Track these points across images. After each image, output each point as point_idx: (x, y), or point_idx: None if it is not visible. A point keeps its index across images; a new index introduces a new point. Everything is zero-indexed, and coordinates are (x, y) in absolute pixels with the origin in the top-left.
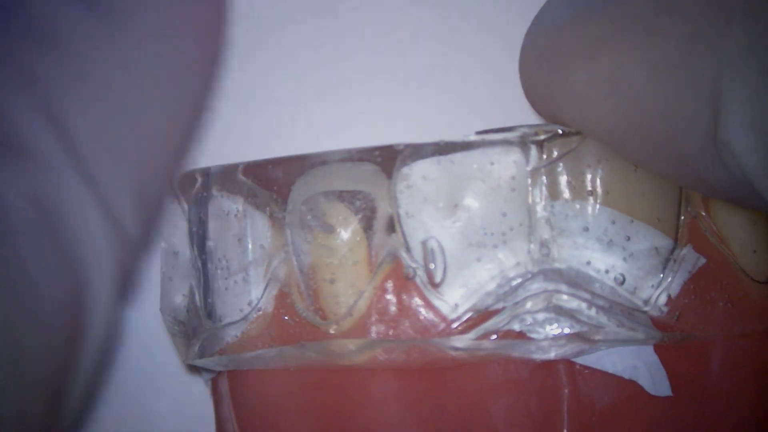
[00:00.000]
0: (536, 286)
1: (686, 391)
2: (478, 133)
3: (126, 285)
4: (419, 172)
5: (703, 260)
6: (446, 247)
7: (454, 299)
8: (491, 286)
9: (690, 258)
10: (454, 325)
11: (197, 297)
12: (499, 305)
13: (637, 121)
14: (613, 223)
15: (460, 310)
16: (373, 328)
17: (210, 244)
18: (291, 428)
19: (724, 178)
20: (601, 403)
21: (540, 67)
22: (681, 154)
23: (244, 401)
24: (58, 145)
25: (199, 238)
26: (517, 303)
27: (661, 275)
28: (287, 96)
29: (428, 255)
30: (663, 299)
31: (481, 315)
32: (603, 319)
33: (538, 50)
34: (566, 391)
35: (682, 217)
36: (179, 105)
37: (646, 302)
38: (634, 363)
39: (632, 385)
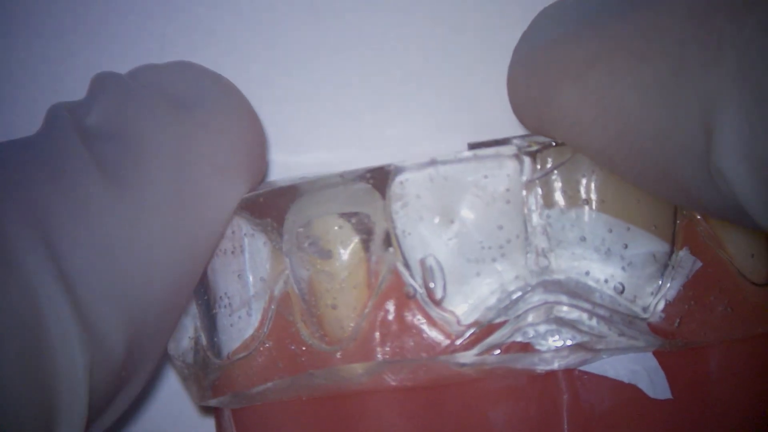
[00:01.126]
0: (537, 298)
1: (685, 395)
2: (471, 145)
3: (110, 409)
4: (413, 191)
5: (699, 264)
6: (445, 263)
7: (456, 315)
8: (492, 300)
9: (687, 261)
10: (458, 342)
11: (203, 337)
12: (501, 319)
13: (628, 142)
14: (610, 231)
15: (463, 325)
16: (379, 350)
17: (210, 281)
18: None
19: (716, 201)
20: (601, 407)
21: (529, 84)
22: (673, 176)
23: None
24: (46, 265)
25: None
26: (518, 316)
27: (660, 282)
28: (284, 94)
29: (427, 272)
30: (662, 306)
31: (484, 329)
32: (604, 328)
33: (528, 67)
34: (565, 396)
35: (678, 221)
36: (180, 265)
37: (645, 309)
38: (634, 367)
39: (631, 389)
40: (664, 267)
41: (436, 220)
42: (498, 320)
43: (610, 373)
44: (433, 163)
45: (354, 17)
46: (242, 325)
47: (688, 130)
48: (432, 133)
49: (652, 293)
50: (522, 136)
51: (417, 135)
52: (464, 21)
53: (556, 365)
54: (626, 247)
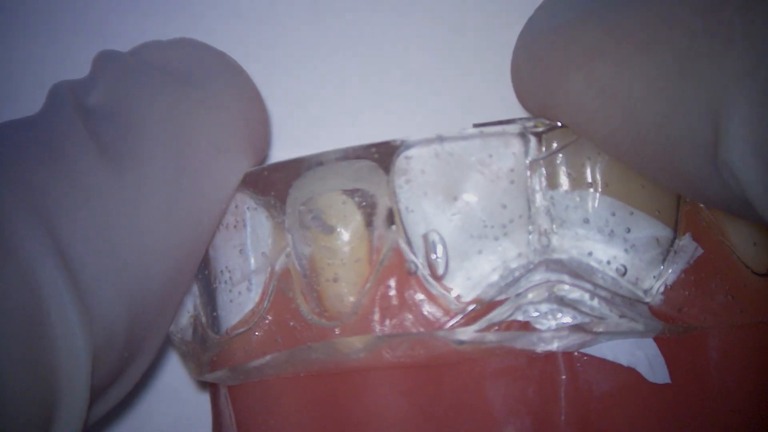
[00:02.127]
0: (538, 276)
1: (684, 380)
2: (476, 125)
3: (113, 390)
4: (418, 166)
5: (700, 250)
6: (447, 239)
7: (457, 291)
8: (494, 277)
9: (689, 247)
10: (458, 318)
11: (201, 313)
12: (502, 296)
13: (633, 131)
14: (614, 214)
15: (463, 301)
16: (378, 325)
17: (211, 256)
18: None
19: (721, 193)
20: (599, 389)
21: (533, 70)
22: (677, 167)
23: (246, 413)
24: (46, 248)
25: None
26: (519, 294)
27: (662, 266)
28: (284, 94)
29: (430, 248)
30: (663, 290)
31: (485, 306)
32: (605, 310)
33: (532, 54)
34: (564, 377)
35: (681, 208)
36: (181, 245)
37: (646, 293)
38: (634, 351)
39: (630, 372)
40: (667, 252)
41: (440, 196)
42: (499, 298)
43: (609, 357)
44: (439, 139)
45: (354, 17)
46: (242, 300)
47: (694, 121)
48: (430, 128)
49: (654, 277)
50: (527, 118)
51: (415, 130)
52: (464, 21)
53: (555, 346)
54: (629, 230)
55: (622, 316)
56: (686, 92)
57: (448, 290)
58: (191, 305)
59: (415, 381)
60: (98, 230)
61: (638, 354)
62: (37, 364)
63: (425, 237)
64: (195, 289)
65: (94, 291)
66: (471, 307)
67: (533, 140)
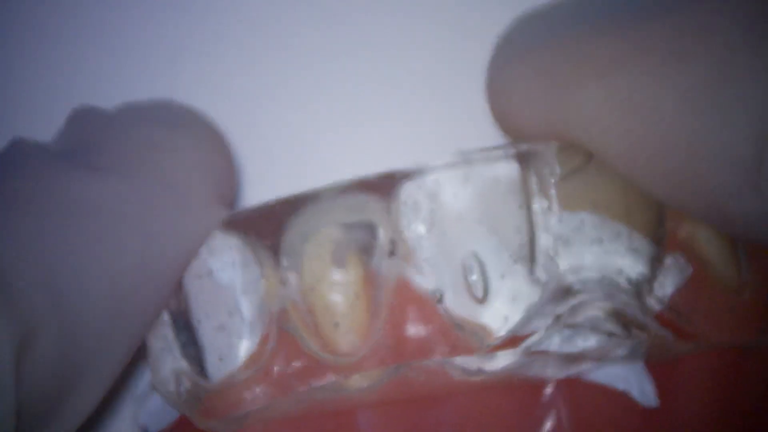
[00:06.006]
0: (549, 301)
1: (667, 405)
2: (481, 150)
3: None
4: (424, 194)
5: (690, 269)
6: (475, 263)
7: (493, 321)
8: (513, 303)
9: (678, 266)
10: (485, 345)
11: (186, 365)
12: (522, 323)
13: (654, 147)
14: (618, 234)
15: (488, 329)
16: (391, 357)
17: (193, 303)
18: None
19: (757, 211)
20: (597, 415)
21: (530, 86)
22: (700, 183)
23: None
24: None
25: (184, 303)
26: (543, 318)
27: (659, 285)
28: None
29: (467, 271)
30: (660, 309)
31: (509, 337)
32: (618, 329)
33: (527, 69)
34: (563, 402)
35: (665, 227)
36: (124, 277)
37: (648, 312)
38: (626, 374)
39: (622, 397)
40: (660, 270)
41: (451, 222)
42: (520, 325)
43: (603, 380)
44: (445, 166)
45: (348, 28)
46: (240, 345)
47: (731, 136)
48: (417, 154)
49: (655, 298)
50: (531, 143)
51: (416, 154)
52: (432, 52)
53: (567, 371)
54: (634, 250)
55: (634, 337)
56: (723, 106)
57: (473, 318)
58: (170, 359)
59: (413, 414)
60: (28, 239)
61: (630, 378)
62: None
63: (434, 267)
64: (174, 341)
65: (16, 288)
66: (500, 335)
67: (537, 164)
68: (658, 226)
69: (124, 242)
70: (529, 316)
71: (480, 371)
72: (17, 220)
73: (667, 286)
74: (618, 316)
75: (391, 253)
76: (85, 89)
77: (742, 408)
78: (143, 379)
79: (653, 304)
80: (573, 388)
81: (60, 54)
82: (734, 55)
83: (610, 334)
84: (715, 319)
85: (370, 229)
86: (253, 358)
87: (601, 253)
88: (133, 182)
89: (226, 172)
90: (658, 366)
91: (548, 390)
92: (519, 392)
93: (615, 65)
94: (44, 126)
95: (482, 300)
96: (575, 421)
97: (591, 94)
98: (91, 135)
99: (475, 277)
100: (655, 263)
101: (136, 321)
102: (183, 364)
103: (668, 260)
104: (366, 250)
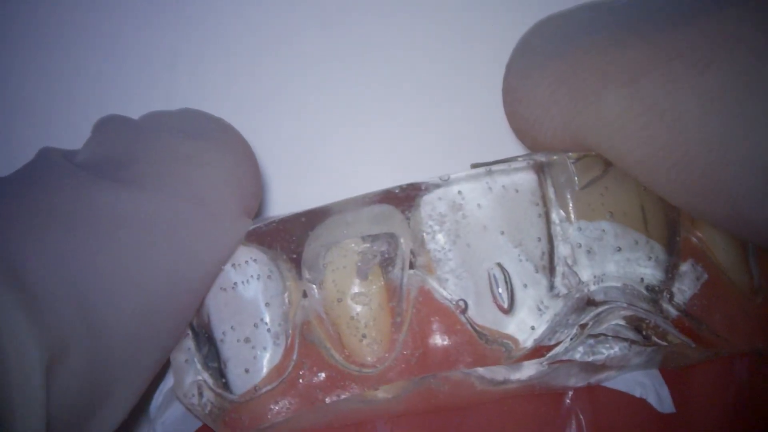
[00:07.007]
0: (573, 311)
1: (679, 410)
2: (474, 166)
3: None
4: (448, 205)
5: (705, 276)
6: (498, 274)
7: (519, 331)
8: (536, 314)
9: (695, 273)
10: (512, 356)
11: (209, 378)
12: (547, 333)
13: (678, 153)
14: (636, 243)
15: (516, 339)
16: (416, 368)
17: (214, 316)
18: None
19: None
20: (616, 421)
21: (553, 92)
22: (722, 190)
23: None
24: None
25: (206, 316)
26: (558, 330)
27: (677, 292)
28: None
29: (492, 282)
30: (679, 314)
31: (535, 347)
32: (639, 337)
33: (549, 76)
34: (584, 409)
35: (681, 236)
36: (153, 289)
37: (669, 320)
38: (644, 381)
39: (640, 403)
40: (677, 277)
41: (475, 232)
42: (545, 335)
43: (621, 387)
44: (475, 174)
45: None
46: (264, 357)
47: (756, 143)
48: (433, 165)
49: (673, 305)
50: (549, 153)
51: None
52: (468, 53)
53: (589, 380)
54: (650, 258)
55: (654, 344)
56: (749, 113)
57: (499, 328)
58: (193, 372)
59: (438, 421)
60: (59, 254)
61: (647, 384)
62: None
63: (458, 278)
64: (195, 353)
65: (48, 304)
66: (526, 346)
67: (556, 173)
68: (674, 234)
69: (153, 256)
70: (555, 326)
71: (506, 381)
72: (46, 234)
73: (684, 292)
74: (639, 323)
75: (413, 264)
76: (108, 98)
77: (758, 413)
78: (159, 392)
79: (671, 311)
80: (593, 395)
81: (85, 62)
82: (760, 59)
83: (632, 342)
84: (731, 325)
85: (393, 240)
86: (278, 370)
87: (622, 262)
88: (163, 196)
89: (252, 184)
90: (673, 372)
91: (569, 397)
92: (540, 399)
93: (640, 72)
94: (69, 134)
95: (508, 310)
96: (595, 427)
97: (615, 101)
98: (120, 146)
99: (501, 287)
100: (673, 270)
101: (164, 335)
102: (205, 376)
103: (684, 267)
104: (389, 261)
